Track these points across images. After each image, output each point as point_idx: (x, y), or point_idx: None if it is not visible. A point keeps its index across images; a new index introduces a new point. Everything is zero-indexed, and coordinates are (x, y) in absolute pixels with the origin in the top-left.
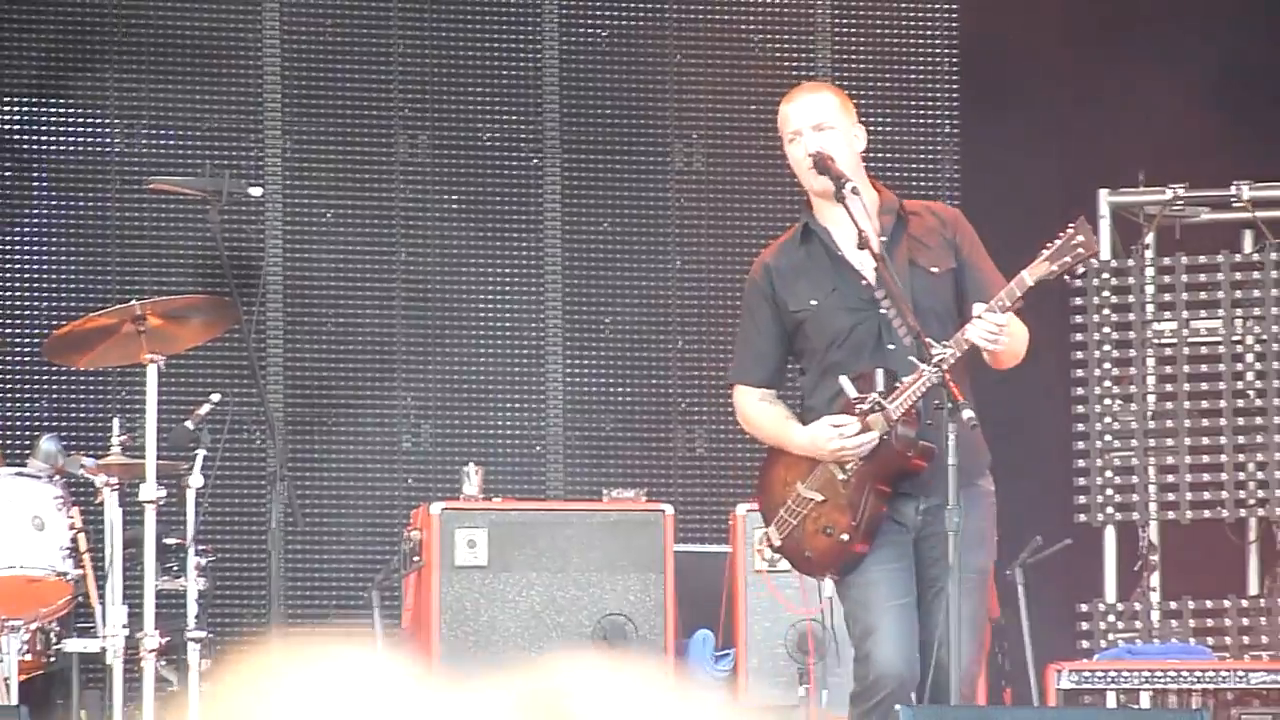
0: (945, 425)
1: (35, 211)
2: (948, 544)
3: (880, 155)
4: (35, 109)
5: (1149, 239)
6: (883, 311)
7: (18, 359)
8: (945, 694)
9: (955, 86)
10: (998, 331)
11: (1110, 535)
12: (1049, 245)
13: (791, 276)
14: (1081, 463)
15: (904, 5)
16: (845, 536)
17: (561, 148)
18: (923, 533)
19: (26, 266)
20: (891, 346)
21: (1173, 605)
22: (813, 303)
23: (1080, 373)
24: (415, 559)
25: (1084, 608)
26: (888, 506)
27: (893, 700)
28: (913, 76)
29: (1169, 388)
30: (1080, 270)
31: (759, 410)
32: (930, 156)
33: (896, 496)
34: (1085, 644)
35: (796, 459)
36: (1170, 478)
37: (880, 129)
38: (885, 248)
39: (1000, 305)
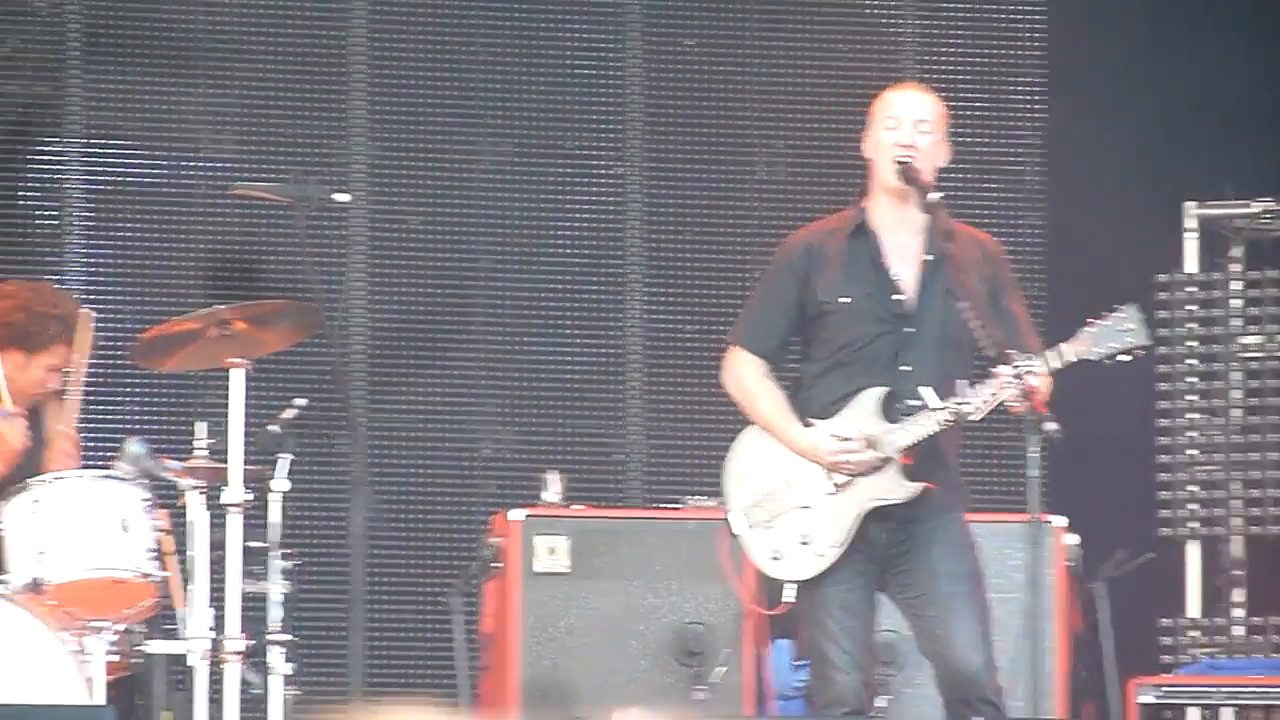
0: (1029, 437)
1: (123, 216)
2: (925, 555)
3: (965, 167)
4: (123, 114)
5: (1236, 252)
6: (908, 331)
7: (105, 362)
8: (965, 692)
9: (1042, 99)
10: (1022, 397)
11: (1194, 550)
12: (1094, 321)
13: (830, 265)
14: (1165, 476)
15: (991, 16)
16: (822, 552)
17: (644, 156)
18: (892, 552)
19: (114, 271)
20: (906, 368)
21: (1257, 621)
22: (843, 300)
23: (1165, 386)
24: (496, 565)
25: (1166, 622)
26: (869, 526)
27: (852, 714)
28: (999, 88)
29: (1255, 402)
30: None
31: (760, 385)
32: (1016, 169)
33: (877, 520)
34: (1167, 659)
35: (779, 450)
36: (1255, 492)
37: (965, 140)
38: (929, 269)
39: (1036, 369)
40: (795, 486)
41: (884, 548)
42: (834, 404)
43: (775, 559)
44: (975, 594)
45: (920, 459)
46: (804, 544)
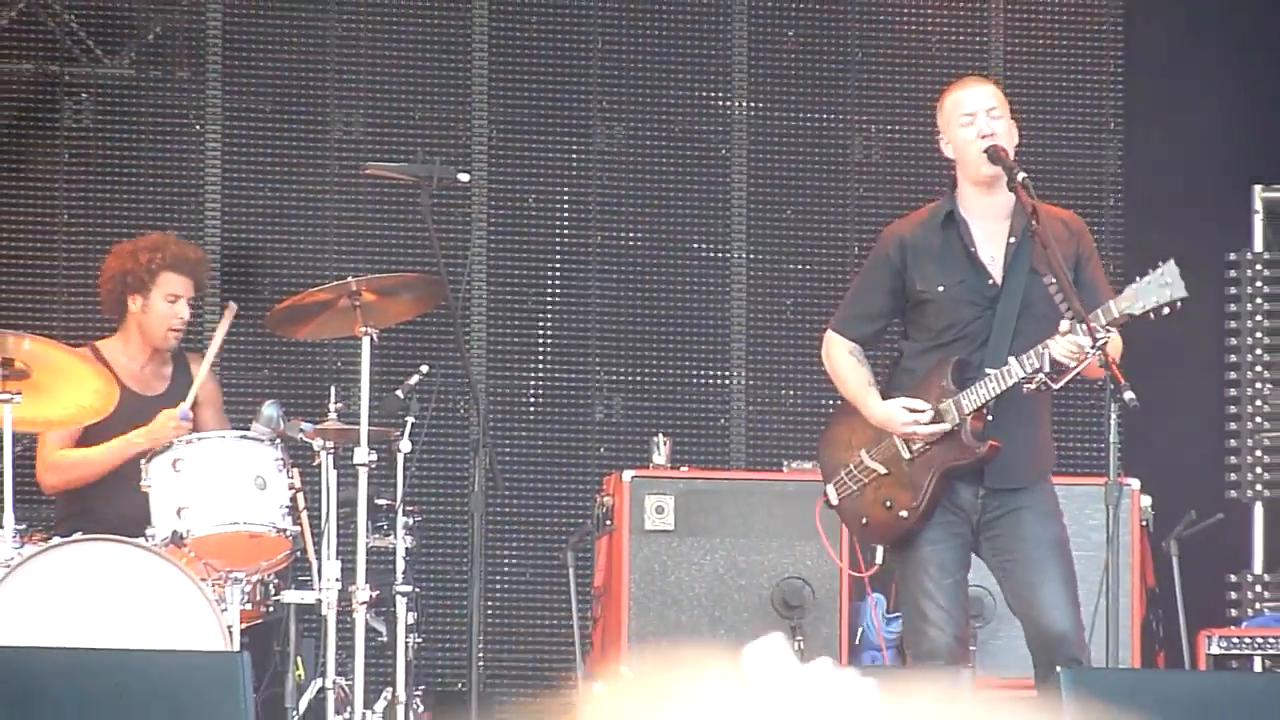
0: (1108, 405)
1: (261, 192)
2: (1015, 520)
3: (1048, 150)
4: (264, 98)
5: None
6: (997, 311)
7: (243, 331)
8: (1054, 652)
9: (1120, 85)
10: (1077, 352)
11: (1259, 510)
12: (1137, 278)
13: (924, 257)
14: (1233, 442)
15: (1072, 6)
16: (904, 514)
17: (748, 140)
18: (985, 517)
19: (252, 246)
20: (992, 345)
21: None
22: (940, 288)
23: (1233, 358)
24: (607, 523)
25: (1233, 578)
26: (954, 488)
27: (946, 667)
28: (1080, 74)
29: None
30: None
31: (847, 364)
32: (1096, 153)
33: (956, 482)
34: (1234, 612)
35: (864, 422)
36: None
37: (1049, 123)
38: (1014, 249)
39: (1083, 328)
40: (876, 455)
41: (979, 512)
42: (930, 374)
43: (864, 523)
44: (1062, 559)
45: (1007, 425)
46: (887, 508)
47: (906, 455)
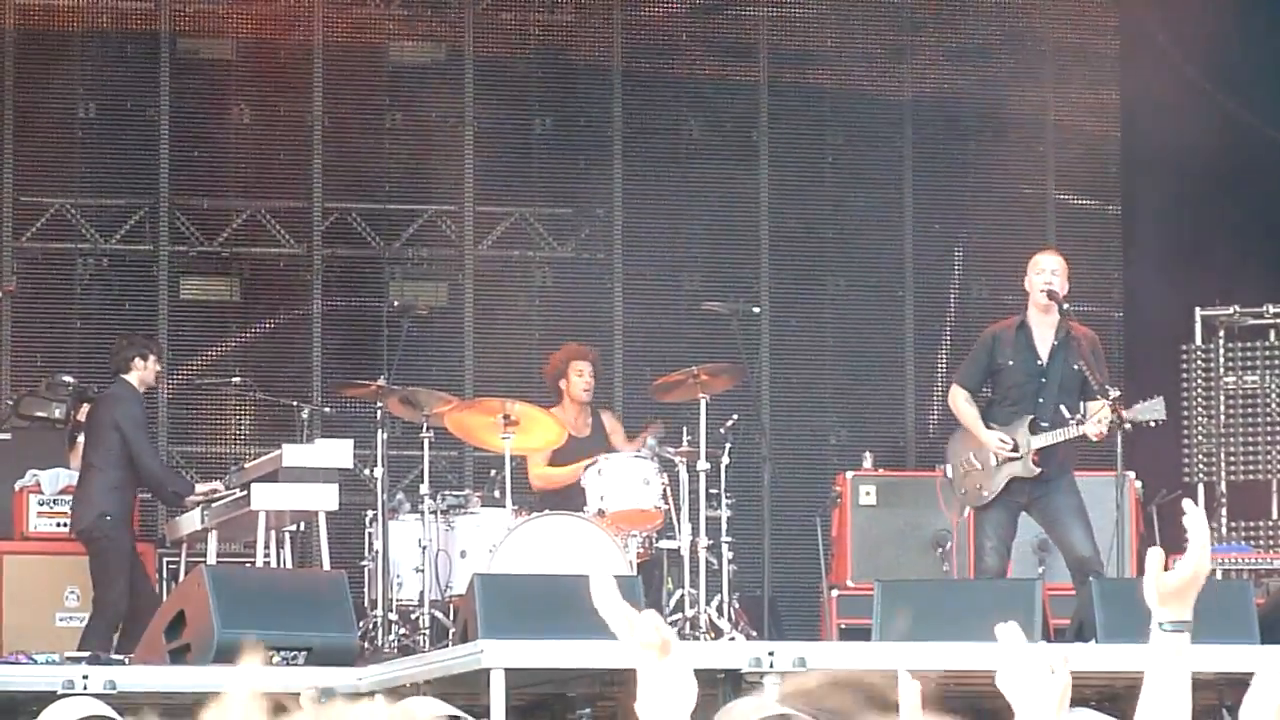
0: (1118, 435)
1: (643, 319)
2: (1052, 499)
3: (1079, 290)
4: (643, 265)
5: (1222, 334)
6: (1042, 381)
7: (642, 396)
8: (1082, 569)
9: (1119, 268)
10: (1100, 435)
11: (1200, 489)
12: (1140, 402)
13: (1004, 344)
14: (1186, 451)
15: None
16: (986, 494)
17: (915, 274)
18: (1032, 497)
19: (640, 348)
20: (1041, 400)
21: (1233, 524)
22: (1010, 363)
23: (1185, 403)
24: (838, 500)
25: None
26: (1013, 483)
27: (994, 577)
28: (1089, 260)
29: (1231, 410)
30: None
31: (965, 405)
32: (1105, 285)
33: (1019, 481)
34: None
35: (971, 437)
36: (1232, 460)
37: (1077, 270)
38: (1054, 347)
39: (1105, 415)
40: (978, 460)
41: (1027, 495)
42: (1004, 420)
43: (963, 493)
44: (1080, 514)
45: (1043, 452)
46: (978, 489)
47: (994, 462)
